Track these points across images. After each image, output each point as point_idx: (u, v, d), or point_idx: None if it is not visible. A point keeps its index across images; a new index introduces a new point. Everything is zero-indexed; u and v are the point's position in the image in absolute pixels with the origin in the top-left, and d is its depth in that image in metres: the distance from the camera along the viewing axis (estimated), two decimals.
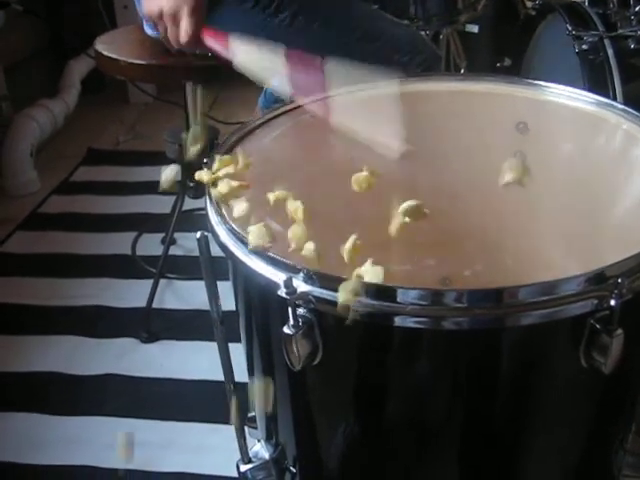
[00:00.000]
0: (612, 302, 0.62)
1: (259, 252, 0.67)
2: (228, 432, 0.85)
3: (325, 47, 1.36)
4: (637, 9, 1.14)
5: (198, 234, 0.71)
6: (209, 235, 0.73)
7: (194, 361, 1.56)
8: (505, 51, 1.67)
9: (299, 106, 0.92)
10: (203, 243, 0.71)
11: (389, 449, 0.75)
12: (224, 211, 0.74)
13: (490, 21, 2.12)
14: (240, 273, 0.74)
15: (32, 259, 1.97)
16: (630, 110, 0.86)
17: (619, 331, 0.62)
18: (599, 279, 0.63)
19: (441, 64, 1.46)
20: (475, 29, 2.15)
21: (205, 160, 0.81)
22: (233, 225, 0.71)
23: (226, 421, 0.84)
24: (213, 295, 0.75)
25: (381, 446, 0.75)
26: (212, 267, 0.74)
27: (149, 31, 1.52)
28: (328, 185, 0.80)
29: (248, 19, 1.37)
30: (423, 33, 1.77)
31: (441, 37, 1.96)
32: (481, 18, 2.02)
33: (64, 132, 2.62)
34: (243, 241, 0.69)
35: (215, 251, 0.74)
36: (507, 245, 0.75)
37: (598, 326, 0.63)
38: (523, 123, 0.88)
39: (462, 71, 2.03)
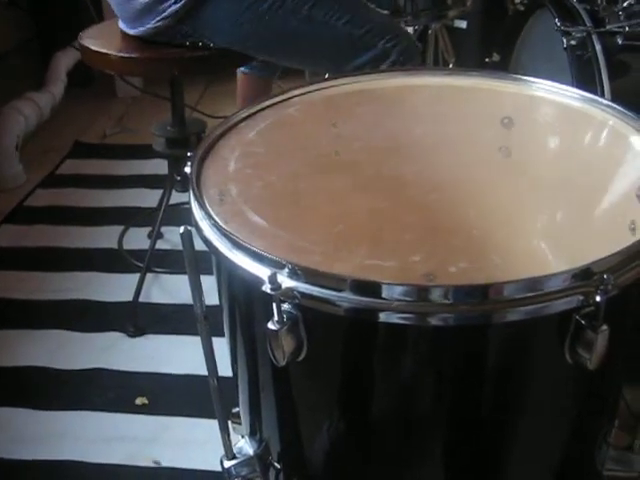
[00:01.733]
0: (597, 298, 0.61)
1: (243, 247, 0.67)
2: (214, 427, 0.84)
3: (313, 30, 1.38)
4: (625, 5, 1.14)
5: (181, 229, 0.70)
6: (193, 230, 0.72)
7: (181, 355, 1.56)
8: (494, 47, 1.66)
9: (284, 100, 0.91)
10: (187, 238, 0.70)
11: (374, 445, 0.75)
12: (208, 206, 0.73)
13: (479, 17, 2.12)
14: (224, 268, 0.74)
15: (18, 253, 1.95)
16: (615, 106, 0.86)
17: (604, 327, 0.62)
18: (585, 275, 0.63)
19: (420, 56, 1.48)
20: (463, 24, 2.15)
21: (190, 154, 0.80)
22: (217, 220, 0.70)
23: (212, 416, 0.84)
24: (197, 291, 0.75)
25: (366, 442, 0.75)
26: (196, 262, 0.73)
27: (126, 29, 1.51)
28: (313, 179, 0.80)
29: (240, 2, 1.38)
30: (411, 28, 1.78)
31: (430, 32, 1.96)
32: (470, 14, 2.02)
33: (50, 125, 2.60)
34: (227, 236, 0.68)
35: (200, 245, 0.73)
36: (492, 240, 0.75)
37: (583, 322, 0.63)
38: (508, 118, 0.88)
39: (451, 66, 2.03)
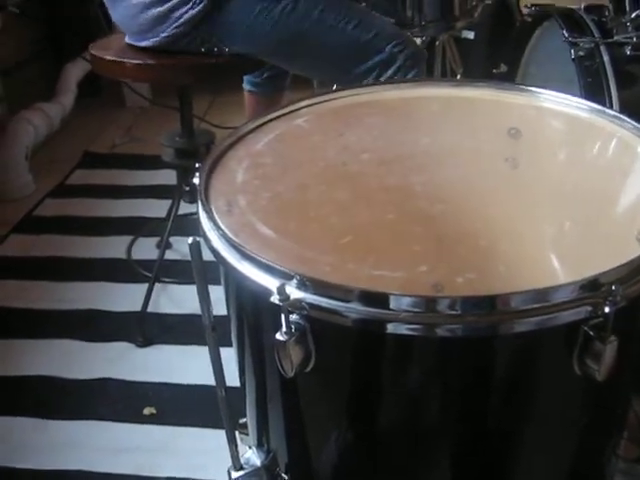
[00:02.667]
0: (606, 309, 0.61)
1: (251, 258, 0.67)
2: (222, 437, 0.84)
3: (323, 33, 1.40)
4: (633, 16, 1.14)
5: (190, 240, 0.70)
6: (201, 240, 0.73)
7: (189, 365, 1.56)
8: (501, 57, 1.67)
9: (292, 111, 0.92)
10: (195, 249, 0.71)
11: (382, 456, 0.74)
12: (216, 217, 0.73)
13: (486, 28, 2.12)
14: (232, 279, 0.74)
15: (27, 262, 1.96)
16: (623, 117, 0.86)
17: (613, 338, 0.62)
18: (593, 286, 0.63)
19: (425, 63, 1.50)
20: (471, 35, 2.15)
21: (198, 165, 0.81)
22: (225, 231, 0.71)
23: (220, 426, 0.84)
24: (205, 301, 0.75)
25: (373, 453, 0.75)
26: (204, 273, 0.74)
27: (135, 43, 1.52)
28: (321, 190, 0.80)
29: (253, 6, 1.39)
30: (420, 39, 1.78)
31: (437, 43, 1.97)
32: (477, 25, 2.03)
33: (60, 135, 2.62)
34: (235, 247, 0.69)
35: (208, 255, 0.73)
36: (500, 251, 0.75)
37: (592, 333, 0.63)
38: (515, 129, 0.88)
39: (458, 77, 2.04)
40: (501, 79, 1.64)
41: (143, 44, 1.51)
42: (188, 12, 1.42)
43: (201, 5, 1.41)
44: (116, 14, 1.54)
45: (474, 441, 0.73)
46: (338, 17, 1.42)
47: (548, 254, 0.82)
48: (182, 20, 1.43)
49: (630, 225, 0.78)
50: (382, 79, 1.42)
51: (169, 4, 1.42)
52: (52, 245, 2.02)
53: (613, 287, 0.61)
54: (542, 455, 0.73)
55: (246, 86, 1.96)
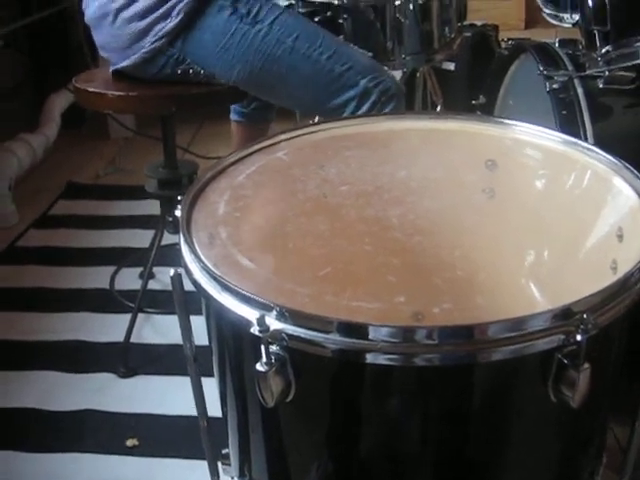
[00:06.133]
0: (578, 337, 0.63)
1: (232, 290, 0.68)
2: (205, 468, 0.84)
3: (296, 62, 1.42)
4: (603, 51, 1.17)
5: (171, 272, 0.71)
6: (183, 272, 0.74)
7: (172, 396, 1.55)
8: (480, 89, 1.70)
9: (272, 144, 0.93)
10: (177, 281, 0.72)
11: None
12: (198, 249, 0.74)
13: (466, 60, 2.17)
14: (213, 310, 0.75)
15: (9, 293, 1.95)
16: (595, 149, 0.88)
17: (586, 365, 0.63)
18: (565, 315, 0.64)
19: (403, 98, 1.51)
20: (452, 66, 2.19)
21: (180, 197, 0.82)
22: (206, 263, 0.72)
23: (203, 457, 0.84)
24: (187, 332, 0.76)
25: None
26: (186, 305, 0.75)
27: (117, 61, 1.54)
28: (300, 222, 0.81)
29: (227, 27, 1.43)
30: (400, 72, 1.81)
31: (418, 75, 2.00)
32: (458, 56, 2.07)
33: (43, 166, 2.62)
34: (216, 279, 0.70)
35: (190, 285, 0.74)
36: (478, 281, 0.76)
37: (565, 361, 0.64)
38: (492, 161, 0.90)
39: (438, 108, 2.07)
40: (480, 110, 1.67)
41: (125, 63, 1.52)
42: (167, 25, 1.44)
43: (178, 19, 1.43)
44: (100, 35, 1.55)
45: (454, 468, 0.73)
46: (313, 46, 1.43)
47: (526, 283, 0.83)
48: (161, 34, 1.45)
49: (604, 254, 0.80)
50: (359, 113, 1.42)
51: (149, 19, 1.45)
52: (35, 276, 2.02)
53: (585, 315, 0.63)
54: None
55: (233, 116, 1.98)
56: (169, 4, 1.44)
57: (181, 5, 1.43)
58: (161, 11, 1.44)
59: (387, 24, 1.70)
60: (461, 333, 0.64)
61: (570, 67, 1.26)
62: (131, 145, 2.81)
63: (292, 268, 0.71)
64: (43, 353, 1.70)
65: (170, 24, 1.44)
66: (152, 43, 1.47)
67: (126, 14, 1.46)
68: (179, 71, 1.50)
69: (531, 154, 0.93)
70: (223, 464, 0.90)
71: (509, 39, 1.59)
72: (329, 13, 1.67)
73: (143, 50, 1.48)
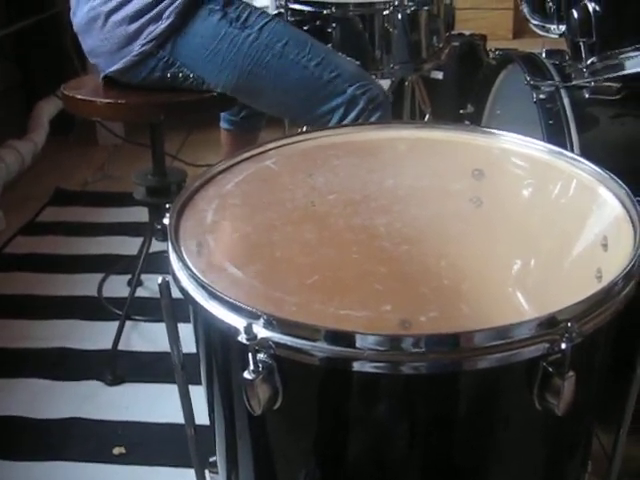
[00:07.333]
0: (563, 345, 0.63)
1: (219, 298, 0.68)
2: (192, 476, 0.84)
3: (284, 68, 1.43)
4: (589, 62, 1.18)
5: (159, 279, 0.71)
6: (170, 279, 0.74)
7: (160, 404, 1.55)
8: (468, 98, 1.71)
9: (261, 152, 0.94)
10: (164, 289, 0.72)
11: None
12: (185, 257, 0.74)
13: (454, 69, 2.18)
14: (201, 318, 0.75)
15: None
16: (580, 159, 0.89)
17: (571, 373, 0.64)
18: (550, 323, 0.65)
19: (390, 106, 1.52)
20: (440, 75, 2.21)
21: (168, 205, 0.82)
22: (194, 270, 0.72)
23: (191, 465, 0.84)
24: (174, 340, 0.76)
25: None
26: (173, 313, 0.75)
27: (107, 66, 1.54)
28: (288, 230, 0.81)
29: (217, 30, 1.45)
30: (388, 80, 1.82)
31: (406, 84, 2.01)
32: (446, 65, 2.08)
33: (32, 172, 2.61)
34: (204, 287, 0.70)
35: (178, 293, 0.74)
36: (464, 290, 0.77)
37: (550, 369, 0.65)
38: (479, 170, 0.91)
39: (427, 117, 2.08)
40: (468, 119, 1.68)
41: (114, 67, 1.52)
42: (157, 28, 1.45)
43: (168, 22, 1.44)
44: (89, 40, 1.55)
45: (441, 475, 0.74)
46: (301, 53, 1.44)
47: (512, 291, 0.84)
48: (151, 37, 1.46)
49: (589, 263, 0.81)
50: (346, 121, 1.43)
51: (139, 22, 1.45)
52: (22, 283, 2.01)
53: (569, 324, 0.63)
54: None
55: (223, 124, 1.98)
56: (160, 7, 1.44)
57: (172, 8, 1.44)
58: (152, 14, 1.45)
59: (376, 34, 1.72)
60: (447, 341, 0.64)
61: (557, 77, 1.28)
62: (120, 152, 2.80)
63: (280, 276, 0.72)
64: (30, 360, 1.69)
65: (160, 27, 1.45)
66: (142, 46, 1.47)
67: (116, 17, 1.47)
68: (168, 75, 1.50)
69: (518, 164, 0.94)
70: (211, 472, 0.90)
71: (497, 49, 1.61)
72: (318, 22, 1.68)
73: (133, 53, 1.48)
